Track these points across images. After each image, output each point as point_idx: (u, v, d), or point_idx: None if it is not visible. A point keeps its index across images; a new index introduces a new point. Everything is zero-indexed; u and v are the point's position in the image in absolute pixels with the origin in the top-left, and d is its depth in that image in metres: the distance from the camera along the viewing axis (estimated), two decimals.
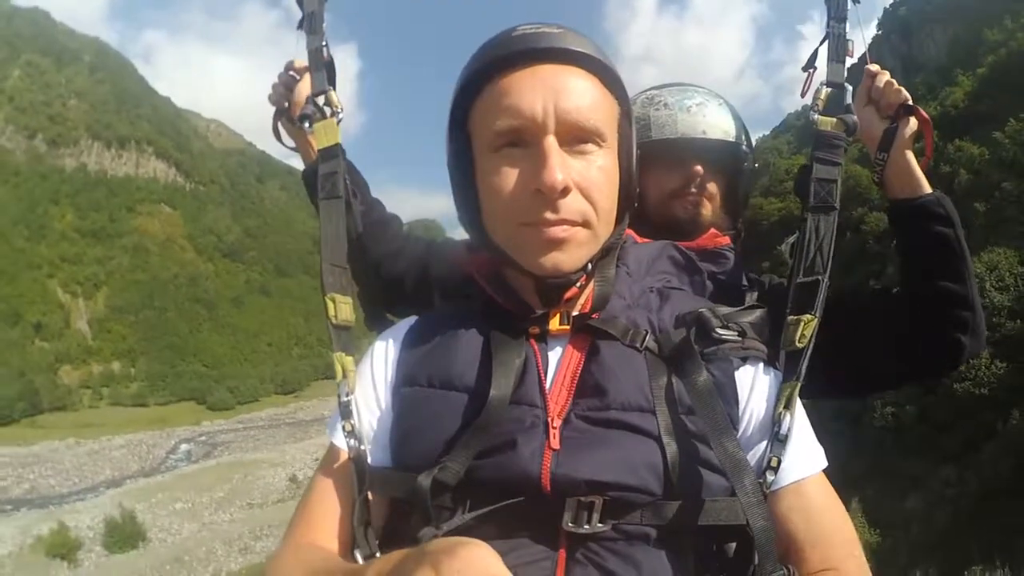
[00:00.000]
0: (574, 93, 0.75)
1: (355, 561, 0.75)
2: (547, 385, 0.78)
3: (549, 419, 0.74)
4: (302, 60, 1.17)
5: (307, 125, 1.09)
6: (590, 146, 0.77)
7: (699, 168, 1.29)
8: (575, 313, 0.82)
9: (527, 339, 0.81)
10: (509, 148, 0.76)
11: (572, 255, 0.77)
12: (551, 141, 0.74)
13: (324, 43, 1.11)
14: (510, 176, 0.76)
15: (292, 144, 1.27)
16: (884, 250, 29.16)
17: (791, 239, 0.96)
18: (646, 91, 1.39)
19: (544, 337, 0.82)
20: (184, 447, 72.04)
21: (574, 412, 0.75)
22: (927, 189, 1.10)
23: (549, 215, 0.74)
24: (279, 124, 1.28)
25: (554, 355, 0.81)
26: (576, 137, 0.76)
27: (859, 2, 1.12)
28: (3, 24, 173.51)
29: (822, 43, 1.10)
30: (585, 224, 0.77)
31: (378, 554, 0.73)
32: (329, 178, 1.04)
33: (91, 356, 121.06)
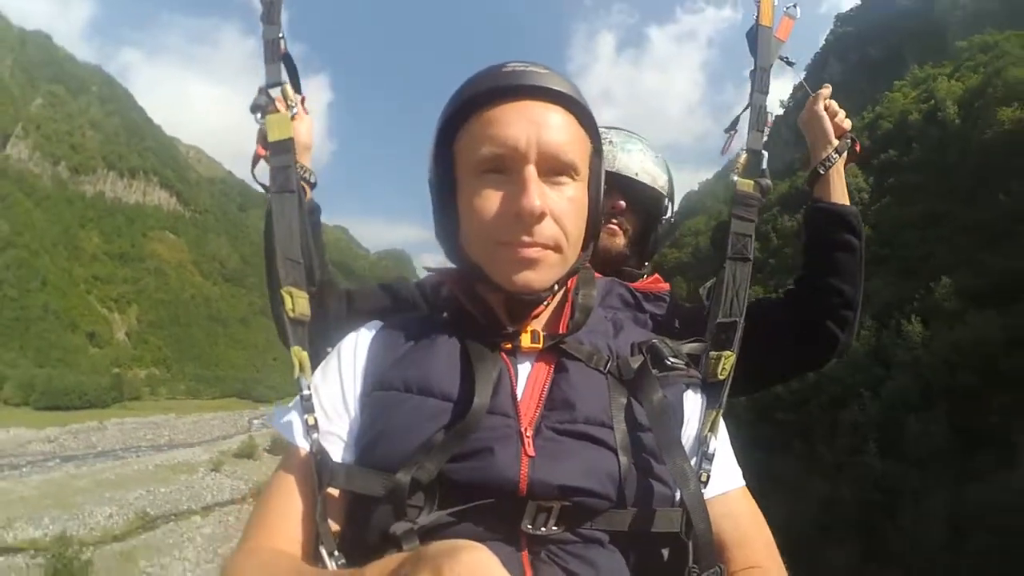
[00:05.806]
0: (554, 129, 0.81)
1: (321, 559, 0.73)
2: (518, 397, 0.82)
3: (522, 428, 0.78)
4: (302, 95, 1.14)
5: (258, 116, 1.06)
6: (564, 178, 0.82)
7: (622, 203, 1.43)
8: (545, 333, 0.87)
9: (499, 352, 0.85)
10: (492, 173, 0.81)
11: (542, 275, 0.82)
12: (531, 170, 0.79)
13: (281, 35, 1.09)
14: (491, 199, 0.81)
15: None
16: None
17: (708, 284, 1.08)
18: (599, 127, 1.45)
19: (515, 352, 0.86)
20: (256, 421, 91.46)
21: (544, 423, 0.79)
22: (848, 202, 1.26)
23: (525, 237, 0.79)
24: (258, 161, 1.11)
25: (523, 369, 0.85)
26: (553, 169, 0.81)
27: (793, 64, 1.26)
28: (18, 50, 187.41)
29: (744, 110, 1.16)
30: (556, 248, 0.82)
31: (336, 553, 0.74)
32: (281, 172, 1.02)
33: (134, 362, 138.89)
